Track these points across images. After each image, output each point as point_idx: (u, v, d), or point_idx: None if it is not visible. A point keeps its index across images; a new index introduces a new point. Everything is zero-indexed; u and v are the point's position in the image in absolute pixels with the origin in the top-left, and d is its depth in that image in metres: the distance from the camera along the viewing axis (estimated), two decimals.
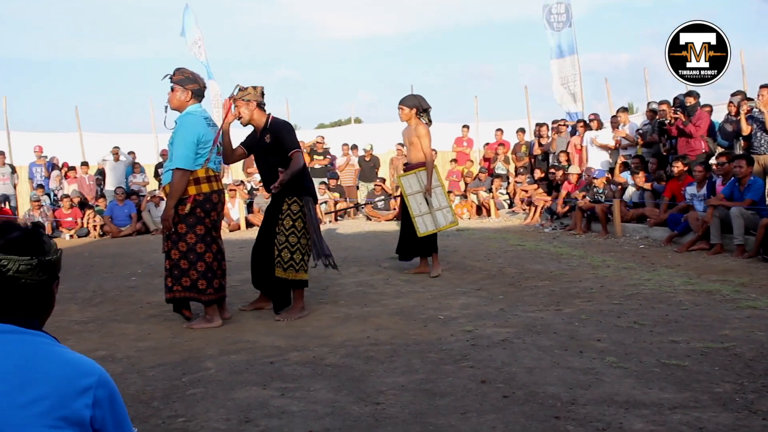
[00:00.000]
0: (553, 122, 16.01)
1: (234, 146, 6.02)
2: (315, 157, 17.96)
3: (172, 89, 5.57)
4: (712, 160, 10.44)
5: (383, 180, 17.48)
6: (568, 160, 14.31)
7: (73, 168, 17.49)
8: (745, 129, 10.06)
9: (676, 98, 11.94)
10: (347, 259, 9.25)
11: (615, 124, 13.64)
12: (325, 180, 17.25)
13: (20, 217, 16.35)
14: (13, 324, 1.66)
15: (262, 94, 5.93)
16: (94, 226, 15.74)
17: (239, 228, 15.24)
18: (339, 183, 17.42)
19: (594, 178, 12.51)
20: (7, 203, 16.71)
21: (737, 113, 10.34)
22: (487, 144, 18.41)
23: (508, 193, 16.28)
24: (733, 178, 8.83)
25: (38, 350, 1.64)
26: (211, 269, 5.53)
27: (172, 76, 5.60)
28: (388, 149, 19.79)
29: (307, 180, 6.01)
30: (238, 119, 5.88)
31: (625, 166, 12.47)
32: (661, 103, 12.07)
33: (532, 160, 16.37)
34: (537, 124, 16.78)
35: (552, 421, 3.19)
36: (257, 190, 16.42)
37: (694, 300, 5.78)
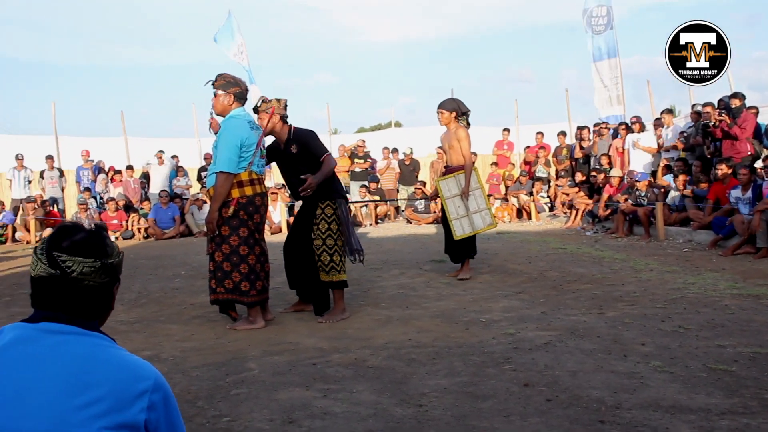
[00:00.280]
0: (595, 125, 15.87)
1: None
2: (356, 160, 18.04)
3: (215, 95, 5.66)
4: (758, 163, 10.27)
5: (423, 183, 17.47)
6: (610, 163, 14.17)
7: (118, 171, 17.81)
8: None
9: (720, 100, 11.76)
10: (388, 262, 9.28)
11: (658, 125, 13.48)
12: (366, 183, 17.30)
13: (68, 219, 16.67)
14: (74, 325, 1.69)
15: (285, 107, 6.00)
16: (139, 229, 15.98)
17: (281, 231, 15.34)
18: (379, 186, 17.46)
19: (636, 181, 12.36)
20: (55, 206, 17.08)
21: None
22: (528, 147, 18.30)
23: (548, 197, 16.16)
24: None
25: (97, 352, 1.66)
26: (254, 271, 5.58)
27: (214, 82, 5.68)
28: (428, 153, 19.78)
29: (337, 182, 6.10)
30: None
31: (668, 169, 12.31)
32: (705, 105, 11.89)
33: (573, 163, 16.24)
34: (578, 127, 16.65)
35: (596, 425, 3.17)
36: None
37: (741, 304, 5.69)
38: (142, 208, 16.59)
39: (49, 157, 17.80)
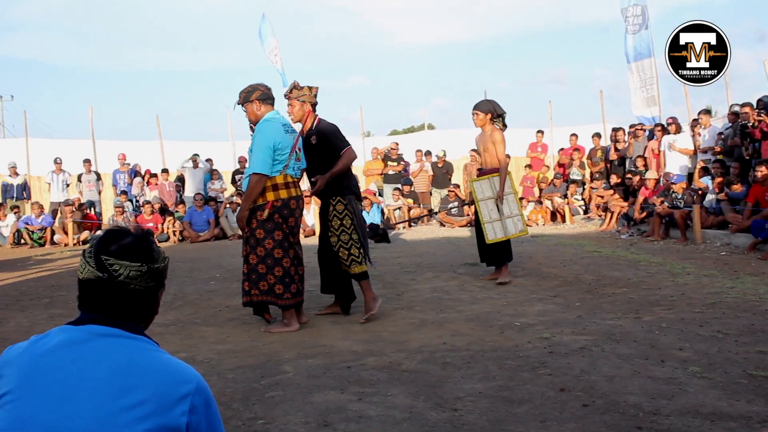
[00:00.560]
0: (630, 126, 15.73)
1: None
2: (389, 163, 18.06)
3: (244, 112, 5.80)
4: None
5: (457, 186, 17.43)
6: (646, 165, 14.02)
7: (154, 175, 18.01)
8: None
9: (759, 100, 11.57)
10: (422, 265, 9.27)
11: (695, 126, 13.30)
12: (399, 186, 17.31)
13: (104, 222, 16.90)
14: (120, 328, 1.72)
15: (316, 95, 6.07)
16: (174, 232, 16.14)
17: (314, 233, 15.37)
18: (413, 189, 17.45)
19: (672, 183, 12.23)
20: (92, 209, 17.33)
21: None
22: (562, 149, 18.21)
23: (583, 199, 16.05)
24: None
25: (142, 355, 1.69)
26: (289, 274, 5.61)
27: (238, 102, 5.83)
28: (461, 155, 19.74)
29: (350, 178, 6.11)
30: (290, 116, 6.04)
31: (705, 171, 12.15)
32: (743, 105, 11.71)
33: (608, 165, 16.10)
34: (613, 129, 16.51)
35: None
36: None
37: None
38: (177, 211, 16.76)
39: (87, 161, 18.08)
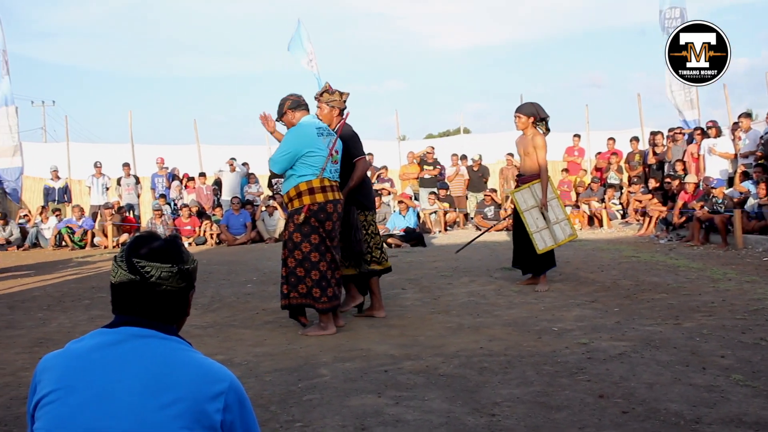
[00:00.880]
0: (669, 130, 15.54)
1: None
2: (425, 167, 18.05)
3: (284, 124, 5.94)
4: None
5: (493, 191, 17.36)
6: (685, 169, 13.85)
7: (192, 179, 18.20)
8: None
9: None
10: (458, 269, 9.25)
11: (735, 130, 13.10)
12: (435, 190, 17.29)
13: (143, 225, 17.12)
14: (153, 329, 1.75)
15: (345, 101, 6.20)
16: (211, 235, 16.29)
17: None
18: (449, 193, 17.41)
19: (712, 187, 12.04)
20: (131, 212, 17.56)
21: None
22: (599, 153, 18.04)
23: (621, 204, 15.88)
24: None
25: (175, 355, 1.72)
26: (325, 278, 5.63)
27: (276, 119, 6.02)
28: (497, 159, 19.66)
29: (356, 189, 6.16)
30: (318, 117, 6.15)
31: (745, 176, 11.96)
32: None
33: (647, 169, 15.92)
34: (651, 133, 16.32)
35: None
36: None
37: None
38: (214, 215, 16.92)
39: (126, 165, 18.33)
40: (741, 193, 11.60)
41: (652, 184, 14.83)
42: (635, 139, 17.12)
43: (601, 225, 15.55)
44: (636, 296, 6.76)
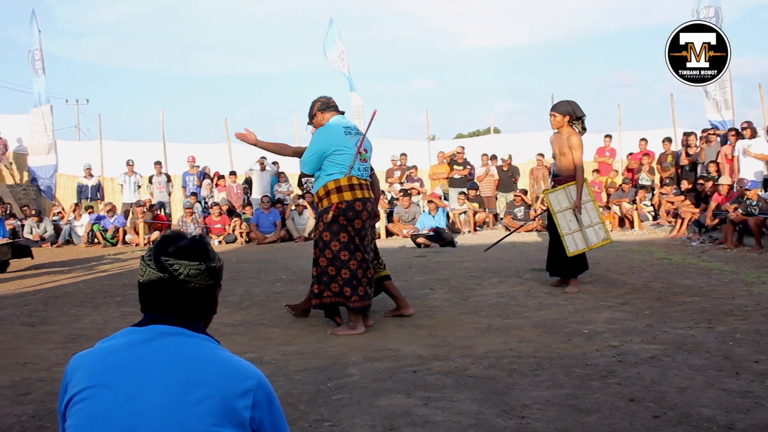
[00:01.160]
0: (703, 131, 15.35)
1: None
2: (455, 167, 18.00)
3: (313, 125, 5.98)
4: None
5: (524, 191, 17.27)
6: (718, 171, 13.66)
7: (222, 177, 18.32)
8: None
9: None
10: (487, 270, 9.22)
11: None
12: (465, 190, 17.24)
13: (174, 223, 17.28)
14: (182, 327, 1.78)
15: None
16: (241, 233, 16.39)
17: (379, 237, 15.44)
18: (478, 193, 17.34)
19: (746, 189, 11.87)
20: (162, 210, 17.74)
21: None
22: (631, 154, 17.88)
23: (652, 205, 15.72)
24: None
25: (204, 353, 1.74)
26: (356, 277, 5.64)
27: (308, 122, 6.09)
28: (527, 159, 19.54)
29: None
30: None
31: None
32: None
33: (679, 170, 15.74)
34: (684, 133, 16.13)
35: None
36: (397, 199, 16.63)
37: None
38: (244, 213, 17.01)
39: (158, 163, 18.50)
40: None
41: (685, 185, 14.66)
42: (668, 139, 16.94)
43: (632, 226, 15.40)
44: (667, 299, 6.69)
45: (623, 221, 15.80)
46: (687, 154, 15.35)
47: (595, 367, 4.37)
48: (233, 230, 16.49)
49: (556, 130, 7.52)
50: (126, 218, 17.10)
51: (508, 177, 18.08)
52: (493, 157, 18.61)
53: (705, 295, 6.81)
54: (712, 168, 13.80)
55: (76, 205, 17.95)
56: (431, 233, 13.98)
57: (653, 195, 15.87)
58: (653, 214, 15.60)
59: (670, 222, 14.40)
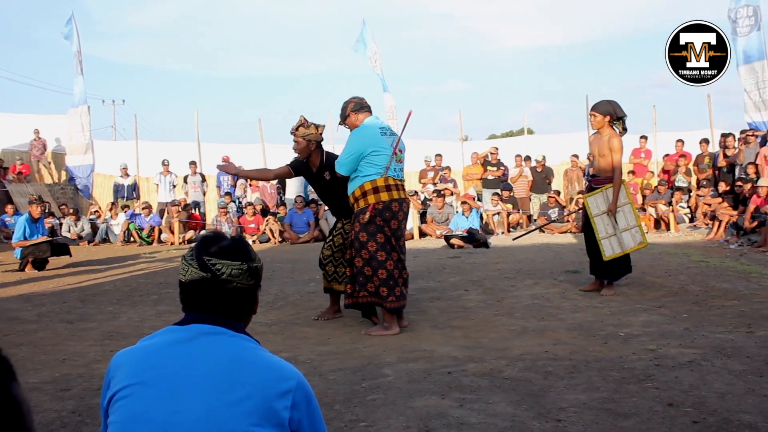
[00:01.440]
0: (741, 132, 15.12)
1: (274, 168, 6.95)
2: (488, 168, 17.94)
3: (347, 126, 6.00)
4: None
5: (558, 193, 17.14)
6: (757, 173, 13.45)
7: None
8: None
9: None
10: (521, 272, 9.16)
11: None
12: (498, 191, 17.17)
13: (208, 222, 17.42)
14: (223, 326, 1.79)
15: (321, 134, 6.37)
16: (273, 232, 16.46)
17: (412, 237, 15.42)
18: (512, 194, 17.26)
19: None
20: (197, 209, 17.90)
21: None
22: (667, 155, 17.67)
23: (689, 207, 15.52)
24: None
25: (244, 353, 1.75)
26: (393, 277, 5.65)
27: (339, 123, 6.10)
28: (561, 161, 19.41)
29: (345, 200, 6.22)
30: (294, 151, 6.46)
31: None
32: None
33: (716, 172, 15.53)
34: (722, 135, 15.91)
35: None
36: (431, 200, 16.60)
37: None
38: (278, 213, 17.09)
39: (192, 163, 18.68)
40: None
41: (722, 187, 14.45)
42: (705, 141, 16.71)
43: (668, 228, 15.21)
44: (705, 302, 6.60)
45: (659, 223, 15.62)
46: (725, 156, 15.14)
47: (631, 371, 4.32)
48: (267, 230, 16.55)
49: (596, 131, 7.41)
50: (161, 217, 17.28)
51: (542, 178, 17.98)
52: (527, 158, 18.51)
53: (744, 298, 6.71)
54: (751, 170, 13.59)
55: (113, 204, 18.18)
56: (465, 234, 13.93)
57: (690, 197, 15.67)
58: (690, 216, 15.40)
59: (707, 224, 14.20)
